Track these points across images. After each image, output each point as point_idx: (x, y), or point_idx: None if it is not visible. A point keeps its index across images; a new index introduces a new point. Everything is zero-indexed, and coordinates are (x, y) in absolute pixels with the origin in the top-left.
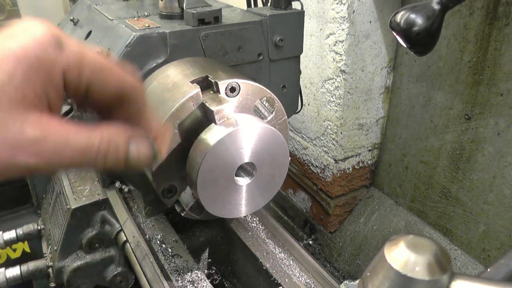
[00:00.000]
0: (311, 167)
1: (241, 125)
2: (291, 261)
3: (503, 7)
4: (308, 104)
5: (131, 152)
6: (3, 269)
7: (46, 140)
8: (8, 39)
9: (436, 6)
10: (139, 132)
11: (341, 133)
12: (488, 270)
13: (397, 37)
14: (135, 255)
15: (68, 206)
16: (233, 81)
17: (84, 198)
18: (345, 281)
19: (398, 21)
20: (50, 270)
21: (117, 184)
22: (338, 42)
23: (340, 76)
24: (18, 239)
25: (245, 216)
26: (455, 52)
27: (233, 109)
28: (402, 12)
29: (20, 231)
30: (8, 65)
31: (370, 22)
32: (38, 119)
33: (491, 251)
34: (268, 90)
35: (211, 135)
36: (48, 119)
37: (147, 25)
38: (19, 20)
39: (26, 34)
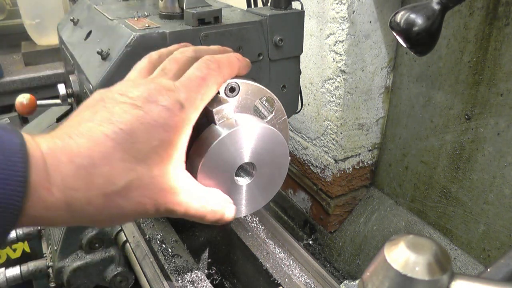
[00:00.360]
0: (311, 167)
1: (241, 125)
2: (291, 261)
3: (503, 7)
4: (308, 104)
5: (227, 216)
6: (3, 269)
7: (188, 195)
8: (147, 109)
9: (436, 6)
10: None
11: (341, 133)
12: (488, 270)
13: (397, 37)
14: (135, 255)
15: None
16: (233, 81)
17: None
18: (345, 281)
19: (398, 21)
20: (50, 270)
21: None
22: (338, 42)
23: (340, 76)
24: (18, 239)
25: (245, 216)
26: (455, 52)
27: (233, 109)
28: (402, 12)
29: (20, 231)
30: (157, 133)
31: (370, 22)
32: (183, 177)
33: (491, 251)
34: (268, 90)
35: (211, 136)
36: (188, 177)
37: (147, 25)
38: (143, 86)
39: (159, 105)
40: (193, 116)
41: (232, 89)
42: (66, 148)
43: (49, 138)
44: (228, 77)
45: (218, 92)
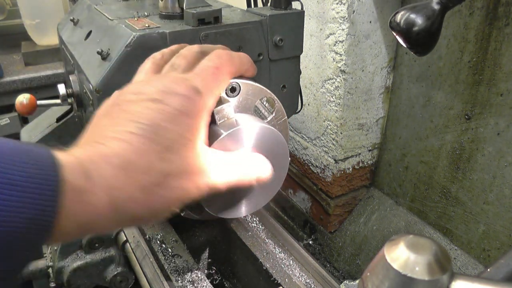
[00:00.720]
0: (311, 167)
1: (241, 125)
2: (291, 261)
3: (503, 7)
4: (308, 104)
5: (262, 174)
6: None
7: (222, 167)
8: (166, 100)
9: (436, 6)
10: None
11: (341, 133)
12: (488, 270)
13: (397, 37)
14: (135, 255)
15: None
16: (234, 81)
17: None
18: (345, 281)
19: (398, 21)
20: (50, 270)
21: None
22: (338, 42)
23: (340, 76)
24: None
25: (245, 216)
26: (455, 52)
27: (233, 109)
28: (402, 12)
29: None
30: (181, 120)
31: (370, 22)
32: (211, 153)
33: (491, 251)
34: (269, 90)
35: (211, 135)
36: (215, 151)
37: (147, 25)
38: (169, 78)
39: (178, 94)
40: (210, 102)
41: (233, 89)
42: (100, 151)
43: (78, 148)
44: (239, 69)
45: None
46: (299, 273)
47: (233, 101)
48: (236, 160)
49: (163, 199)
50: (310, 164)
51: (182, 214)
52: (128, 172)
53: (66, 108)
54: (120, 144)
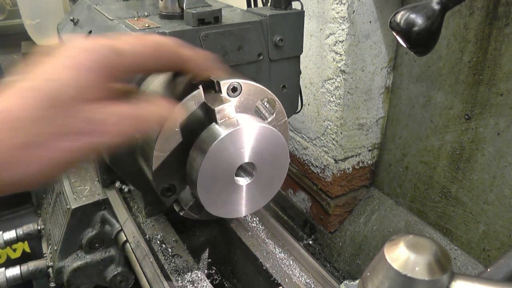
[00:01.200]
0: (311, 167)
1: (242, 125)
2: (291, 261)
3: (503, 7)
4: (308, 104)
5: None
6: (3, 269)
7: (110, 119)
8: (83, 54)
9: (436, 6)
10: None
11: (341, 133)
12: (488, 270)
13: (397, 37)
14: (135, 255)
15: (68, 206)
16: (235, 81)
17: (84, 198)
18: (345, 281)
19: (398, 21)
20: (50, 270)
21: (117, 184)
22: (338, 42)
23: (340, 76)
24: (18, 239)
25: (245, 216)
26: (455, 52)
27: (235, 109)
28: (402, 12)
29: (20, 231)
30: (80, 72)
31: (370, 22)
32: (102, 106)
33: (491, 251)
34: (270, 91)
35: (212, 135)
36: (108, 104)
37: (147, 25)
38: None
39: (93, 50)
40: (131, 60)
41: (234, 89)
42: None
43: None
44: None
45: (221, 91)
46: (299, 273)
47: (234, 101)
48: (131, 110)
49: (42, 161)
50: (310, 164)
51: (181, 214)
52: (3, 126)
53: None
54: (8, 93)
